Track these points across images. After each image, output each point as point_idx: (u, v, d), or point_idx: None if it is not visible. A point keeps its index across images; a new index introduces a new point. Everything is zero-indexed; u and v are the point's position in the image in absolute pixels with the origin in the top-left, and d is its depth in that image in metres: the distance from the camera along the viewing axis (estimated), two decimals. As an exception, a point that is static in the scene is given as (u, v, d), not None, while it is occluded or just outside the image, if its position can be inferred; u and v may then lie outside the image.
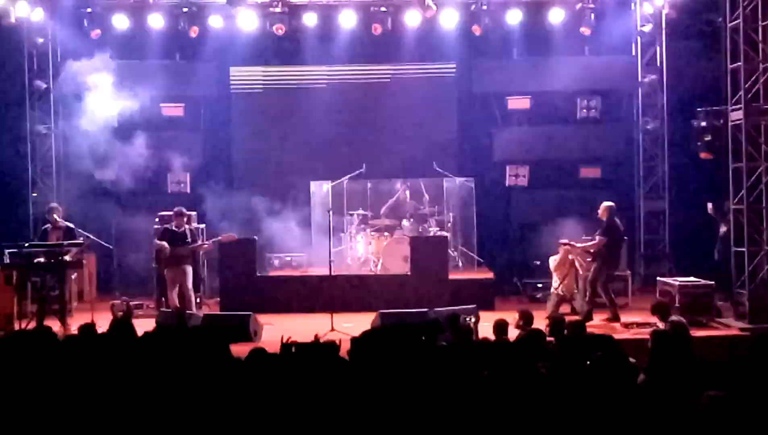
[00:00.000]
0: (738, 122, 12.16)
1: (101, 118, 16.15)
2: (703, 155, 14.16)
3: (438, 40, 16.20)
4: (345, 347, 6.40)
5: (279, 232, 15.44)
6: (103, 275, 15.57)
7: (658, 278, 13.33)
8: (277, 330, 12.06)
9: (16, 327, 11.73)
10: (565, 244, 13.09)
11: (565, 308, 13.14)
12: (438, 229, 15.15)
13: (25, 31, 15.80)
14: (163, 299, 13.47)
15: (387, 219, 15.34)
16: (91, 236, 13.85)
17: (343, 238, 15.35)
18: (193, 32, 15.50)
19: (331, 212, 12.59)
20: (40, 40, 16.16)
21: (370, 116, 16.70)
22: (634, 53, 16.51)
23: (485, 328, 10.01)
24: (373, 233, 15.01)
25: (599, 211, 12.66)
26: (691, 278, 12.64)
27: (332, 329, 11.36)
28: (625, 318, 12.31)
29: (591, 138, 16.54)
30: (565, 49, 16.21)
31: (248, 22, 15.52)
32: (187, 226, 13.33)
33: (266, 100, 16.87)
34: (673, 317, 8.98)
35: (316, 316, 12.51)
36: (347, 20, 15.59)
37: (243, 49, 16.32)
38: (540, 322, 9.85)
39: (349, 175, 15.36)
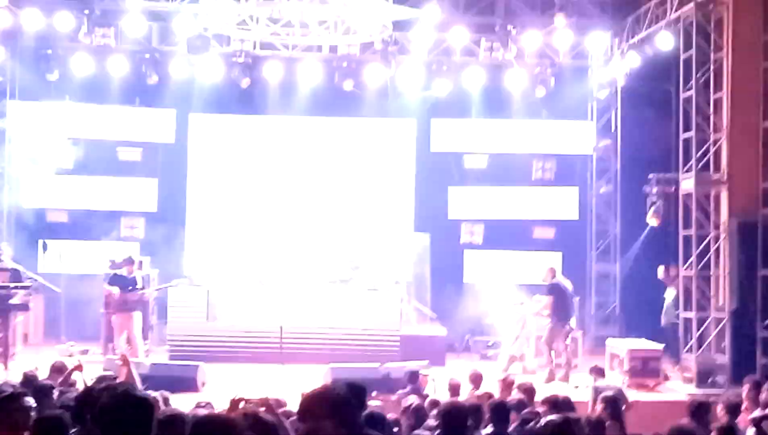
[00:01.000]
0: (689, 190, 12.44)
1: (56, 160, 16.06)
2: (651, 221, 14.47)
3: (398, 97, 16.38)
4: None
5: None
6: (50, 319, 15.25)
7: (608, 340, 13.46)
8: (226, 381, 11.93)
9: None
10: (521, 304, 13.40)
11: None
12: (392, 283, 15.12)
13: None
14: (110, 345, 13.27)
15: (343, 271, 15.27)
16: (39, 279, 13.60)
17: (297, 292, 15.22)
18: (152, 80, 15.48)
19: (261, 282, 12.51)
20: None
21: (328, 169, 16.73)
22: (589, 118, 16.87)
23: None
24: (324, 288, 14.92)
25: (543, 275, 13.02)
26: (641, 341, 12.78)
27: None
28: (574, 379, 12.36)
29: (545, 199, 16.77)
30: (522, 112, 16.48)
31: (210, 70, 15.55)
32: (138, 272, 13.20)
33: (224, 148, 16.82)
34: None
35: (266, 367, 12.38)
36: (309, 73, 15.70)
37: (203, 96, 16.33)
38: (490, 383, 9.85)
39: (305, 228, 15.33)
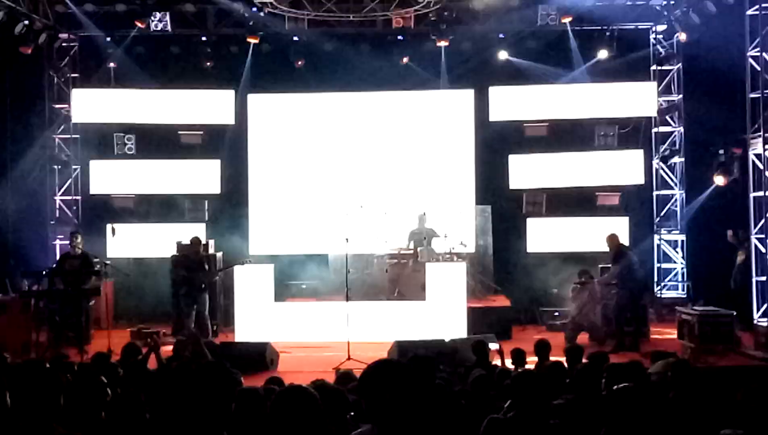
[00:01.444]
0: (758, 151, 12.10)
1: (121, 146, 16.38)
2: (717, 180, 14.15)
3: (455, 67, 16.24)
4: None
5: (296, 260, 15.47)
6: (120, 302, 15.60)
7: (677, 308, 13.23)
8: (294, 358, 12.08)
9: (33, 355, 11.75)
10: (581, 283, 13.24)
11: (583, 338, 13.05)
12: (455, 256, 15.09)
13: (45, 59, 15.98)
14: (180, 327, 13.52)
15: (404, 246, 15.28)
16: (109, 263, 13.90)
17: (360, 266, 15.30)
18: (209, 62, 15.65)
19: (348, 240, 12.55)
20: (62, 66, 16.35)
21: (387, 143, 16.69)
22: (651, 79, 16.49)
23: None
24: (389, 261, 14.96)
25: (607, 243, 12.80)
26: (711, 307, 12.53)
27: (349, 358, 11.31)
28: (645, 347, 12.20)
29: (609, 164, 16.47)
30: (582, 76, 16.19)
31: (266, 49, 15.63)
32: (203, 254, 13.42)
33: (283, 127, 16.90)
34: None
35: (332, 344, 12.48)
36: (365, 49, 15.66)
37: (261, 76, 16.43)
38: (558, 352, 9.76)
39: (366, 204, 15.29)
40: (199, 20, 15.89)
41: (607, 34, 15.62)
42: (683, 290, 16.15)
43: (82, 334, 12.35)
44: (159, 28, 15.53)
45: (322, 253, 15.81)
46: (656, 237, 16.46)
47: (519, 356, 9.08)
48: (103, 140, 16.51)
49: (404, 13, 14.40)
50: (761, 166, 12.07)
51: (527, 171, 16.51)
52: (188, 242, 13.90)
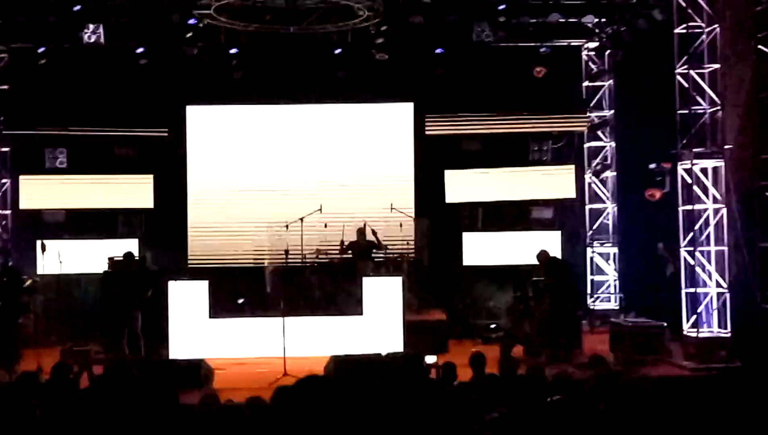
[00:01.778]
0: (687, 166, 12.41)
1: (52, 160, 16.08)
2: (650, 196, 14.46)
3: (395, 80, 16.34)
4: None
5: (233, 274, 15.33)
6: (50, 320, 15.22)
7: (611, 319, 13.47)
8: (229, 374, 11.93)
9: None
10: (517, 295, 13.44)
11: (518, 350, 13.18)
12: (393, 269, 15.10)
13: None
14: (111, 344, 13.28)
15: (340, 259, 15.25)
16: (38, 280, 13.58)
17: (296, 279, 15.22)
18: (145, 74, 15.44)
19: (287, 253, 12.46)
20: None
21: (327, 156, 16.71)
22: (583, 96, 16.84)
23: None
24: (326, 274, 14.90)
25: (538, 259, 12.95)
26: (642, 318, 12.79)
27: (285, 374, 11.23)
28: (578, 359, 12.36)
29: (542, 180, 16.74)
30: (517, 97, 16.44)
31: (204, 60, 15.52)
32: (136, 270, 13.22)
33: (221, 139, 16.77)
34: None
35: (268, 359, 12.37)
36: (303, 59, 15.67)
37: (198, 88, 16.28)
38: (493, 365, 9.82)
39: (304, 215, 15.19)
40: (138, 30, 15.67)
41: (541, 50, 15.90)
42: (616, 302, 16.46)
43: (11, 352, 12.02)
44: (93, 40, 15.25)
45: (258, 266, 15.69)
46: (589, 250, 16.76)
47: (449, 371, 9.10)
48: (33, 155, 16.17)
49: (343, 27, 14.40)
50: (689, 181, 12.38)
51: (463, 185, 16.67)
52: (121, 257, 13.67)
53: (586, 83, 16.97)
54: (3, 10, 14.61)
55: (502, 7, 14.73)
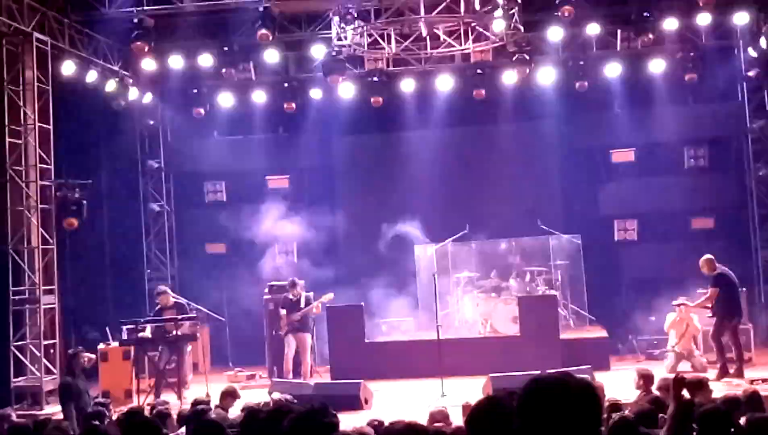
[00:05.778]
0: None
1: (210, 193, 16.80)
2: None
3: (536, 97, 16.14)
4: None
5: (386, 298, 15.47)
6: (216, 346, 15.84)
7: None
8: (388, 397, 12.03)
9: (135, 401, 12.04)
10: (679, 305, 12.84)
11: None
12: (546, 287, 14.88)
13: (136, 114, 16.52)
14: (275, 368, 13.67)
15: (494, 280, 15.15)
16: (203, 309, 14.16)
17: (450, 300, 15.23)
18: (290, 107, 15.90)
19: (436, 275, 12.51)
20: (151, 122, 16.91)
21: (471, 178, 16.64)
22: (740, 99, 16.06)
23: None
24: (480, 295, 14.84)
25: (701, 268, 12.37)
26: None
27: (443, 395, 11.21)
28: (749, 373, 11.76)
29: (700, 188, 16.06)
30: (667, 99, 15.90)
31: (347, 92, 15.84)
32: (302, 294, 13.61)
33: (367, 168, 17.04)
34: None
35: (425, 380, 12.39)
36: (444, 85, 15.73)
37: (343, 119, 16.63)
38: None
39: (453, 237, 15.22)
40: (281, 66, 16.25)
41: (692, 53, 15.29)
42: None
43: (181, 380, 12.58)
44: (243, 78, 15.88)
45: (411, 289, 15.79)
46: (757, 258, 15.80)
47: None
48: (194, 188, 16.98)
49: (483, 46, 14.36)
50: None
51: (617, 197, 16.23)
52: (281, 284, 14.13)
53: (743, 83, 16.07)
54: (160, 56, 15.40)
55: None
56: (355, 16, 12.74)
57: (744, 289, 13.52)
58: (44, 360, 12.44)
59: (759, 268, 15.77)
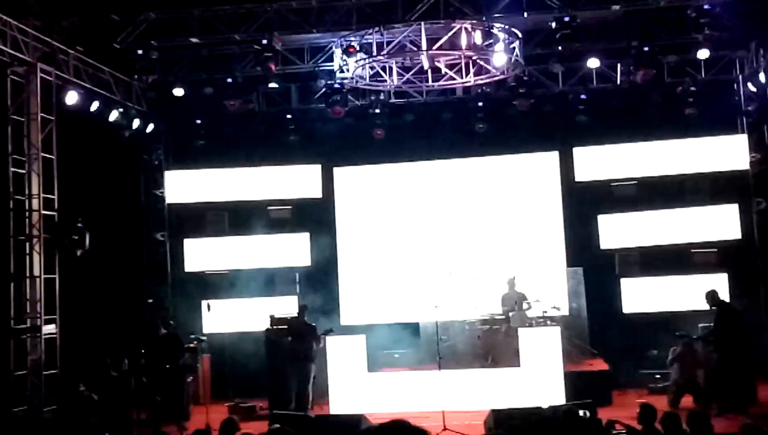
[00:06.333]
0: None
1: (212, 224, 16.82)
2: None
3: (537, 130, 16.23)
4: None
5: (386, 330, 15.43)
6: (216, 377, 15.76)
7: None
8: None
9: (134, 433, 11.97)
10: (682, 336, 12.81)
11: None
12: (549, 320, 14.82)
13: (140, 144, 16.59)
14: (276, 400, 13.56)
15: (495, 312, 15.10)
16: (204, 338, 14.10)
17: (452, 332, 15.19)
18: (294, 139, 15.98)
19: (437, 307, 12.48)
20: (154, 149, 16.99)
21: (472, 209, 16.68)
22: (740, 132, 16.12)
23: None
24: (481, 327, 14.80)
25: (706, 300, 12.38)
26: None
27: (444, 428, 11.14)
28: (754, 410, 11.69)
29: (703, 220, 16.05)
30: (667, 132, 15.98)
31: (349, 124, 15.95)
32: (306, 323, 13.54)
33: (369, 198, 17.10)
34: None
35: (427, 413, 12.31)
36: (445, 116, 15.83)
37: (345, 150, 16.71)
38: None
39: (455, 271, 15.21)
40: (284, 98, 16.39)
41: (691, 88, 15.39)
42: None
43: (181, 410, 12.52)
44: (246, 108, 15.97)
45: (412, 321, 15.77)
46: (763, 292, 15.72)
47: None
48: (195, 219, 16.98)
49: (484, 80, 14.47)
50: None
51: (618, 230, 16.24)
52: (281, 316, 14.05)
53: (743, 117, 16.16)
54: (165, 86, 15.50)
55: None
56: (358, 49, 12.86)
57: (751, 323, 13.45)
58: (44, 390, 12.38)
59: (763, 301, 15.70)
